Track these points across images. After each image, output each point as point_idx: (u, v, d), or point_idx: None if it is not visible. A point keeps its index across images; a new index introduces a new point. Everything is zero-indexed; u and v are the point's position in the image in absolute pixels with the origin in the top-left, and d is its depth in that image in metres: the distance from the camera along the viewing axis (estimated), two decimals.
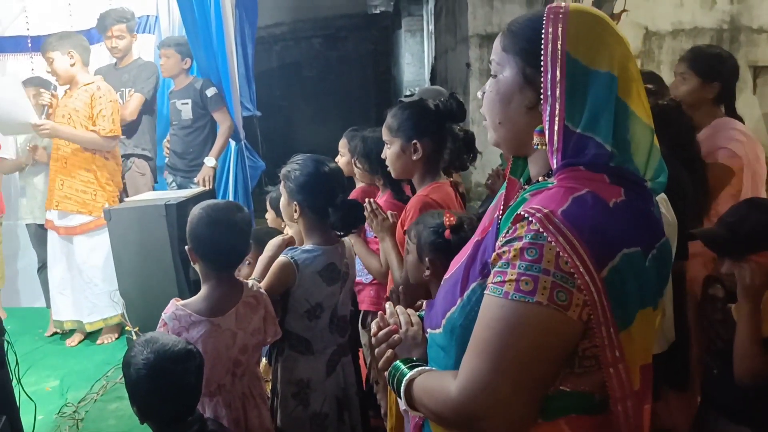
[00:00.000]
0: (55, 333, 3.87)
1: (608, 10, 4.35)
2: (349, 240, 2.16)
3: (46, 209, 3.65)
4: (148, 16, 4.40)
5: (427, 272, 1.62)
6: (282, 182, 2.01)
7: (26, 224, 3.96)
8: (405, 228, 1.99)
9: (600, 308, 0.83)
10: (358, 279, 2.31)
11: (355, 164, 2.51)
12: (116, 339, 3.71)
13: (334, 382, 2.06)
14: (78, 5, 4.28)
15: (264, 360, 2.23)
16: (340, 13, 8.84)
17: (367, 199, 2.10)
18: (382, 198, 2.38)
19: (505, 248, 0.87)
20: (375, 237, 2.22)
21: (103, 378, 3.19)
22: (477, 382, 0.87)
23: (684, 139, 2.11)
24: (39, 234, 3.90)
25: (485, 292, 0.90)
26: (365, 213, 2.06)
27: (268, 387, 2.13)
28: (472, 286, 0.96)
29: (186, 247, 1.79)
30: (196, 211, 1.77)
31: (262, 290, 1.89)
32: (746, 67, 4.72)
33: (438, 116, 2.03)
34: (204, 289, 1.80)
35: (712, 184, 2.28)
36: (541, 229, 0.84)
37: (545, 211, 0.85)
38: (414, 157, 2.01)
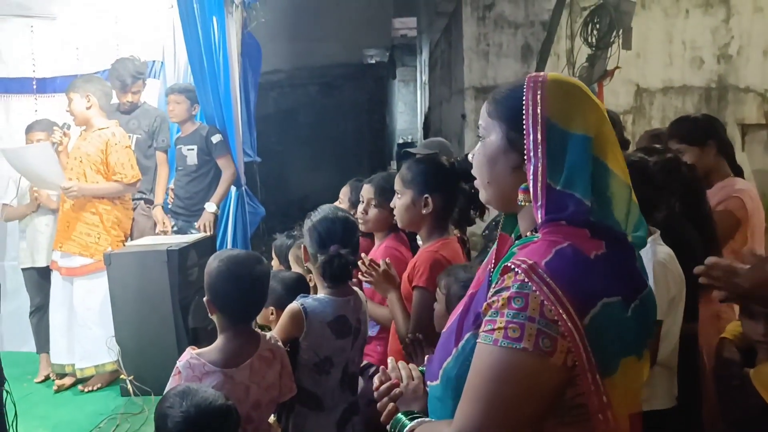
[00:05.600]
0: (46, 378, 3.74)
1: (602, 67, 4.50)
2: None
3: (53, 249, 3.63)
4: (153, 61, 4.45)
5: None
6: (306, 235, 1.98)
7: (22, 268, 3.88)
8: (414, 284, 1.98)
9: (584, 354, 0.87)
10: None
11: (372, 204, 2.40)
12: (102, 387, 3.58)
13: None
14: (86, 49, 4.34)
15: (273, 417, 2.18)
16: (336, 62, 9.04)
17: (362, 255, 2.06)
18: (386, 241, 2.39)
19: (495, 298, 0.93)
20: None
21: (96, 429, 3.08)
22: (468, 426, 0.91)
23: (693, 198, 2.15)
24: (35, 278, 3.84)
25: (477, 340, 0.94)
26: (362, 269, 2.03)
27: None
28: (466, 336, 1.00)
29: (204, 298, 1.78)
30: (214, 263, 1.77)
31: (280, 344, 1.87)
32: (734, 124, 4.87)
33: (452, 174, 2.06)
34: (220, 340, 1.78)
35: (719, 232, 2.27)
36: (526, 279, 0.90)
37: (530, 262, 0.91)
38: (423, 211, 2.04)
